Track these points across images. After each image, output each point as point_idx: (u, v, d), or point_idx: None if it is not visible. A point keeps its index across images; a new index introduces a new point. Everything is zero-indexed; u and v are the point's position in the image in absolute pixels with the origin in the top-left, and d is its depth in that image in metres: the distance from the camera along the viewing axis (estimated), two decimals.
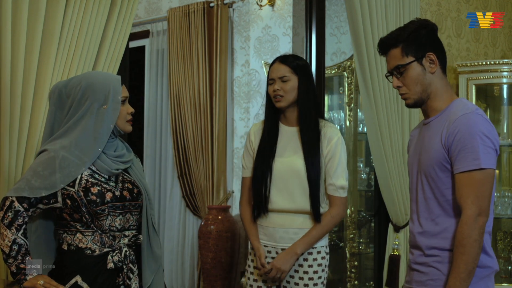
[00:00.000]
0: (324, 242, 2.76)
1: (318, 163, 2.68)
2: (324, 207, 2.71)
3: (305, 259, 2.69)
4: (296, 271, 2.69)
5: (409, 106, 2.24)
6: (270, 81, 2.74)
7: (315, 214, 2.67)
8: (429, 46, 2.16)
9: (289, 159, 2.71)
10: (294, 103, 2.72)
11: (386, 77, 2.27)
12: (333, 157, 2.70)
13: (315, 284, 2.68)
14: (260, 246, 2.74)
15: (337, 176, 2.70)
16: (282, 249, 2.70)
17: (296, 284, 2.68)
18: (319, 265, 2.70)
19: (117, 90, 2.25)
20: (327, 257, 2.76)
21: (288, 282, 2.70)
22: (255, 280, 2.77)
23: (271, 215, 2.72)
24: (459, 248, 2.02)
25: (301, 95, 2.70)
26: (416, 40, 2.15)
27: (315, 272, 2.68)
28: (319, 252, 2.71)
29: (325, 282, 2.74)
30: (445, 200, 2.12)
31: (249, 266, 2.81)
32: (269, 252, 2.75)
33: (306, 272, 2.67)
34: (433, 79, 2.17)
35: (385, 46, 2.21)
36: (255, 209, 2.77)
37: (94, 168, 2.22)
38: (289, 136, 2.75)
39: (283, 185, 2.69)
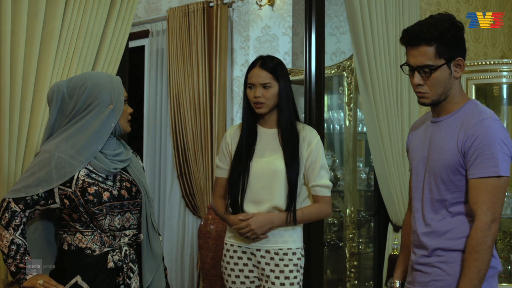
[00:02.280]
0: (300, 243, 2.78)
1: (298, 165, 2.71)
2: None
3: (281, 259, 2.70)
4: (272, 270, 2.70)
5: (424, 105, 2.18)
6: (249, 85, 2.75)
7: (290, 214, 2.70)
8: (460, 50, 2.12)
9: (268, 160, 2.73)
10: (274, 107, 2.74)
11: (401, 67, 2.19)
12: (315, 160, 2.74)
13: (291, 284, 2.69)
14: (231, 215, 2.76)
15: (321, 177, 2.74)
16: (257, 249, 2.72)
17: (273, 283, 2.69)
18: (295, 265, 2.72)
19: (120, 90, 2.28)
20: (303, 259, 2.78)
21: (266, 281, 2.71)
22: (237, 276, 2.77)
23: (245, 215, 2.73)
24: (472, 254, 2.01)
25: (282, 100, 2.72)
26: (450, 43, 2.08)
27: (291, 271, 2.70)
28: (294, 254, 2.73)
29: (301, 283, 2.76)
30: (453, 202, 2.11)
31: (228, 262, 2.79)
32: (244, 252, 2.75)
33: (282, 271, 2.69)
34: (454, 83, 2.14)
35: (416, 39, 2.09)
36: (231, 210, 2.79)
37: (91, 168, 2.22)
38: (268, 138, 2.77)
39: (260, 186, 2.72)
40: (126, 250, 2.25)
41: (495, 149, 2.02)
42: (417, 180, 2.23)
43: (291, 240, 2.74)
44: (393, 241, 4.09)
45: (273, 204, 2.71)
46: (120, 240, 2.26)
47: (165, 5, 5.50)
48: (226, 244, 2.82)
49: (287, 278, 2.69)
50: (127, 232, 2.28)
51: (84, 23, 2.71)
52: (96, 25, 2.76)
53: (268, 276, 2.71)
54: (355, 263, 4.82)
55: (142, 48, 5.61)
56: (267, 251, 2.72)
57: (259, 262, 2.73)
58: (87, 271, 2.20)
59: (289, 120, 2.74)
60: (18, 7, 2.47)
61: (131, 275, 2.26)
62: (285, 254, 2.72)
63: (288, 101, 2.74)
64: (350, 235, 4.81)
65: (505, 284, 4.21)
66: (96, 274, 2.20)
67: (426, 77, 2.10)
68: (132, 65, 3.51)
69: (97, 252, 2.22)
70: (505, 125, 4.53)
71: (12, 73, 2.47)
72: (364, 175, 4.83)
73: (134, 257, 2.28)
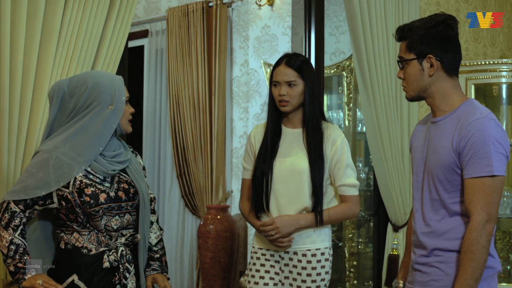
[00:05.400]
0: (328, 243, 2.73)
1: (322, 164, 2.66)
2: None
3: (309, 261, 2.66)
4: (299, 273, 2.66)
5: (407, 99, 2.24)
6: (275, 83, 2.71)
7: (317, 216, 2.65)
8: (433, 48, 2.12)
9: (291, 160, 2.69)
10: (299, 106, 2.72)
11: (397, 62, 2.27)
12: (341, 159, 2.68)
13: (318, 287, 2.66)
14: (255, 220, 2.73)
15: (348, 176, 2.69)
16: (286, 252, 2.68)
17: (299, 287, 2.66)
18: (322, 267, 2.68)
19: (121, 90, 2.26)
20: (331, 259, 2.73)
21: (290, 285, 2.68)
22: (261, 278, 2.73)
23: (270, 218, 2.70)
24: (467, 254, 2.01)
25: (307, 98, 2.68)
26: (422, 39, 2.11)
27: (318, 274, 2.66)
28: (322, 254, 2.69)
29: (327, 284, 2.72)
30: (451, 202, 2.10)
31: (254, 264, 2.76)
32: (272, 255, 2.72)
33: (309, 275, 2.65)
34: (433, 81, 2.13)
35: (398, 36, 2.19)
36: (255, 210, 2.74)
37: (89, 169, 2.21)
38: (292, 138, 2.73)
39: (284, 186, 2.67)
40: (122, 250, 2.24)
41: (489, 148, 2.01)
42: (417, 180, 2.23)
43: (319, 240, 2.69)
44: (392, 241, 4.09)
45: (302, 206, 2.66)
46: (116, 240, 2.25)
47: (164, 5, 5.50)
48: (253, 247, 2.78)
49: (313, 281, 2.64)
50: (124, 232, 2.27)
51: (83, 22, 2.71)
52: (96, 25, 2.76)
53: (294, 279, 2.66)
54: (355, 263, 4.83)
55: (141, 48, 5.61)
56: (295, 253, 2.67)
57: (286, 265, 2.69)
58: (83, 270, 2.20)
59: (314, 119, 2.69)
60: (17, 7, 2.46)
61: (127, 275, 2.24)
62: (314, 255, 2.67)
63: (314, 99, 2.70)
64: (350, 235, 4.81)
65: (505, 284, 4.21)
66: (93, 273, 2.20)
67: (403, 71, 2.18)
68: (131, 65, 3.51)
69: (93, 251, 2.21)
70: (504, 125, 4.54)
71: (12, 73, 2.47)
72: (364, 175, 4.83)
73: (130, 257, 2.27)
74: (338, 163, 2.69)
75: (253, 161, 2.78)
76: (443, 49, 2.13)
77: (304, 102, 2.69)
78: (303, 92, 2.68)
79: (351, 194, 2.70)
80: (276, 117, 2.76)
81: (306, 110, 2.69)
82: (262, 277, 2.73)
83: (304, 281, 2.65)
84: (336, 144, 2.69)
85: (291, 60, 2.70)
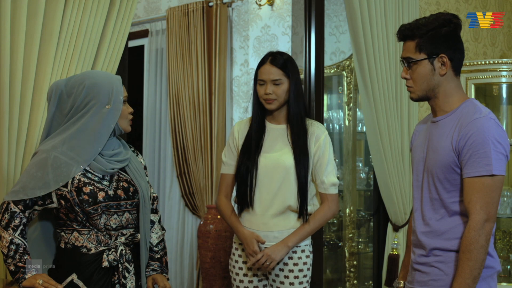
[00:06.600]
0: (308, 241, 2.77)
1: (307, 161, 2.69)
2: (311, 206, 2.72)
3: (290, 258, 2.70)
4: (281, 269, 2.70)
5: (412, 99, 2.23)
6: (260, 81, 2.73)
7: (303, 212, 2.68)
8: (445, 47, 2.12)
9: (276, 155, 2.71)
10: (284, 103, 2.73)
11: (400, 61, 2.26)
12: (323, 155, 2.71)
13: (301, 283, 2.69)
14: (246, 230, 2.72)
15: (328, 174, 2.71)
16: (266, 248, 2.70)
17: (282, 283, 2.69)
18: (304, 263, 2.72)
19: (119, 90, 2.26)
20: (311, 255, 2.77)
21: (273, 281, 2.71)
22: (245, 275, 2.76)
23: (254, 214, 2.71)
24: (465, 254, 2.01)
25: (292, 96, 2.71)
26: (432, 39, 2.11)
27: (301, 270, 2.70)
28: (303, 251, 2.73)
29: (309, 281, 2.76)
30: (450, 201, 2.11)
31: (236, 261, 2.78)
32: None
33: (291, 271, 2.69)
34: (442, 81, 2.14)
35: (403, 35, 2.17)
36: (238, 205, 2.76)
37: (87, 168, 2.22)
38: (276, 134, 2.75)
39: (269, 181, 2.69)
40: (122, 250, 2.25)
41: (488, 147, 2.01)
42: (417, 180, 2.24)
43: None
44: (392, 240, 4.10)
45: (286, 203, 2.68)
46: (116, 239, 2.26)
47: (164, 4, 5.50)
48: (235, 243, 2.80)
49: (296, 277, 2.68)
50: (124, 231, 2.28)
51: (83, 22, 2.71)
52: (96, 25, 2.76)
53: (277, 275, 2.70)
54: (355, 262, 4.83)
55: (141, 47, 5.60)
56: None
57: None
58: (83, 269, 2.21)
59: (299, 115, 2.72)
60: (17, 7, 2.46)
61: (127, 274, 2.25)
62: (294, 252, 2.70)
63: (298, 97, 2.72)
64: (350, 235, 4.81)
65: (505, 284, 4.21)
66: (92, 272, 2.21)
67: (410, 71, 2.16)
68: (131, 65, 3.51)
69: (93, 250, 2.22)
70: (504, 125, 4.54)
71: (12, 73, 2.47)
72: (364, 175, 4.83)
73: (130, 256, 2.28)
74: (320, 160, 2.71)
75: (235, 155, 2.79)
76: (452, 48, 2.14)
77: (289, 99, 2.72)
78: (288, 89, 2.70)
79: (331, 192, 2.73)
80: (260, 114, 2.77)
81: (291, 107, 2.72)
82: (245, 275, 2.76)
83: (287, 277, 2.69)
84: (320, 140, 2.71)
85: (276, 58, 2.72)
